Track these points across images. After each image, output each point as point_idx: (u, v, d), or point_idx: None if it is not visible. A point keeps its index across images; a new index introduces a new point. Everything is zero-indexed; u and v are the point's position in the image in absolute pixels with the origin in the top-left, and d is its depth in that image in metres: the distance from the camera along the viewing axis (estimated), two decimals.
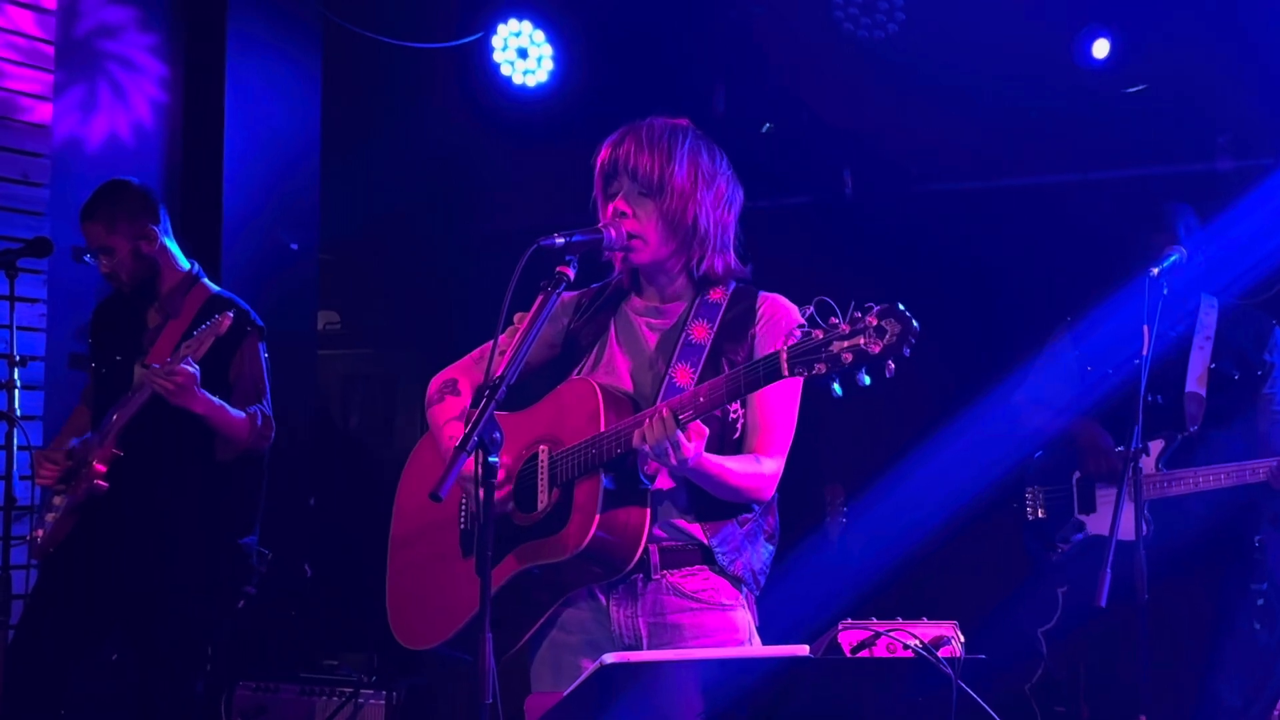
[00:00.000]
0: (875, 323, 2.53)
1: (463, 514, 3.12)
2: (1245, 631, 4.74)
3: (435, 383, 3.24)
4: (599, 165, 3.06)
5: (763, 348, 2.98)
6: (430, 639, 3.13)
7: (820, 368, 2.57)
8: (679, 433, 2.72)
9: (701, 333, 3.02)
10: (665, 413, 2.73)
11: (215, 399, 4.26)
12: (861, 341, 2.53)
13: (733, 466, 2.90)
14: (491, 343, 2.77)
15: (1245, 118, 5.72)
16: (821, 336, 2.58)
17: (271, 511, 4.68)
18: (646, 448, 2.75)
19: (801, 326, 2.64)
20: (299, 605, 5.68)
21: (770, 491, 2.98)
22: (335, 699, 5.07)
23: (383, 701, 5.03)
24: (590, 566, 2.91)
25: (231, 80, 5.72)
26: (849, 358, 2.54)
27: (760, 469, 2.94)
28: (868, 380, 2.55)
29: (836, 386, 2.57)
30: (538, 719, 2.53)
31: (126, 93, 5.63)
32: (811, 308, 2.63)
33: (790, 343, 2.63)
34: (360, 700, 5.03)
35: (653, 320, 3.10)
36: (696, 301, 3.06)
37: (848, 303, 2.60)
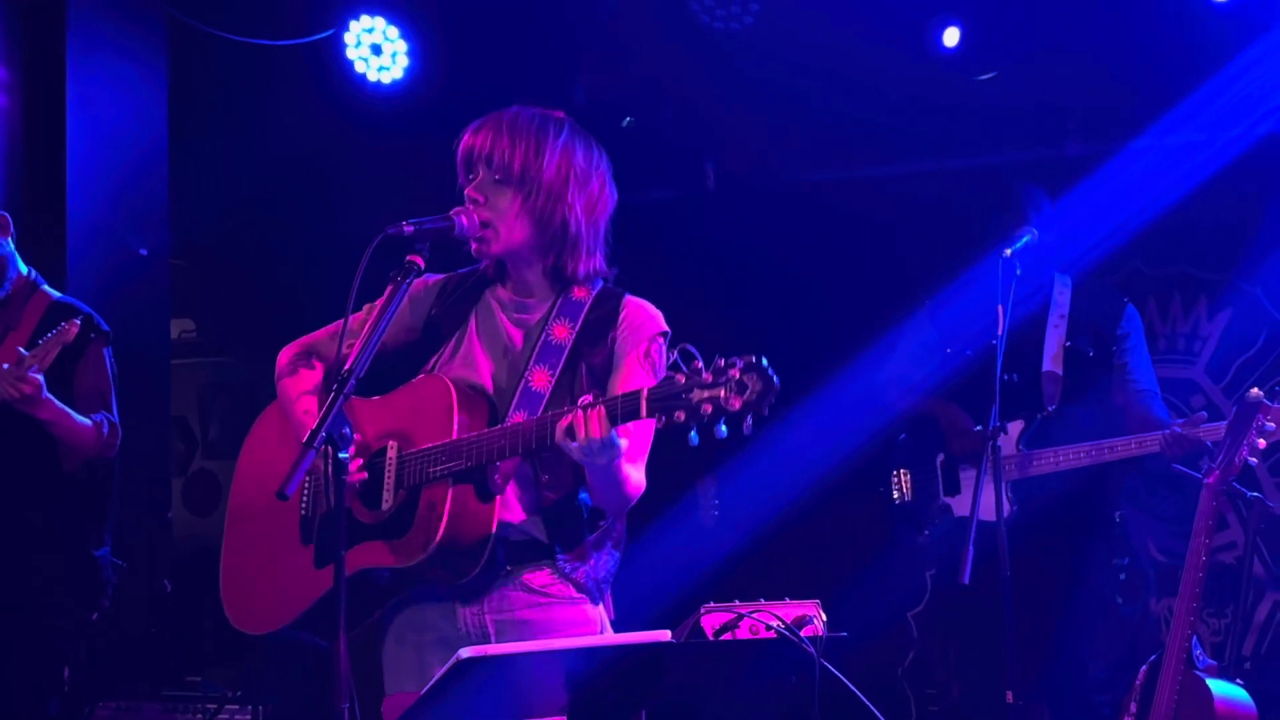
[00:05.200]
0: (737, 376, 2.51)
1: (305, 499, 3.04)
2: (1108, 605, 4.85)
3: (287, 354, 3.15)
4: (460, 153, 3.00)
5: (622, 354, 2.94)
6: (264, 624, 3.05)
7: (680, 415, 2.54)
8: (613, 432, 2.66)
9: (563, 333, 2.96)
10: (601, 411, 2.65)
11: (61, 405, 4.14)
12: (721, 394, 2.51)
13: (628, 469, 2.85)
14: (345, 320, 2.70)
15: (1094, 102, 5.85)
16: (683, 381, 2.55)
17: (129, 526, 4.56)
18: (576, 444, 2.66)
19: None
20: (159, 621, 5.53)
21: (638, 497, 2.94)
22: (199, 715, 4.95)
23: (248, 716, 4.94)
24: (432, 571, 2.86)
25: (73, 82, 5.52)
26: (708, 409, 2.52)
27: (639, 474, 2.91)
28: (725, 431, 2.53)
29: (693, 435, 2.55)
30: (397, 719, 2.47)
31: None
32: (675, 354, 2.60)
33: (662, 366, 2.64)
34: (224, 716, 4.92)
35: (515, 314, 3.04)
36: (560, 299, 3.01)
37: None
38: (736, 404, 2.49)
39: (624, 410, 2.63)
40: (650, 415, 2.59)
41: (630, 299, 3.03)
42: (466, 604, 2.92)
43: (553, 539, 2.92)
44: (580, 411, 2.65)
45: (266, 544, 3.08)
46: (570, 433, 2.66)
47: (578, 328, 2.96)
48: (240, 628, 3.09)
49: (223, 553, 3.17)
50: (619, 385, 2.90)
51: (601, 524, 2.97)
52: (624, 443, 2.70)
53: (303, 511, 3.04)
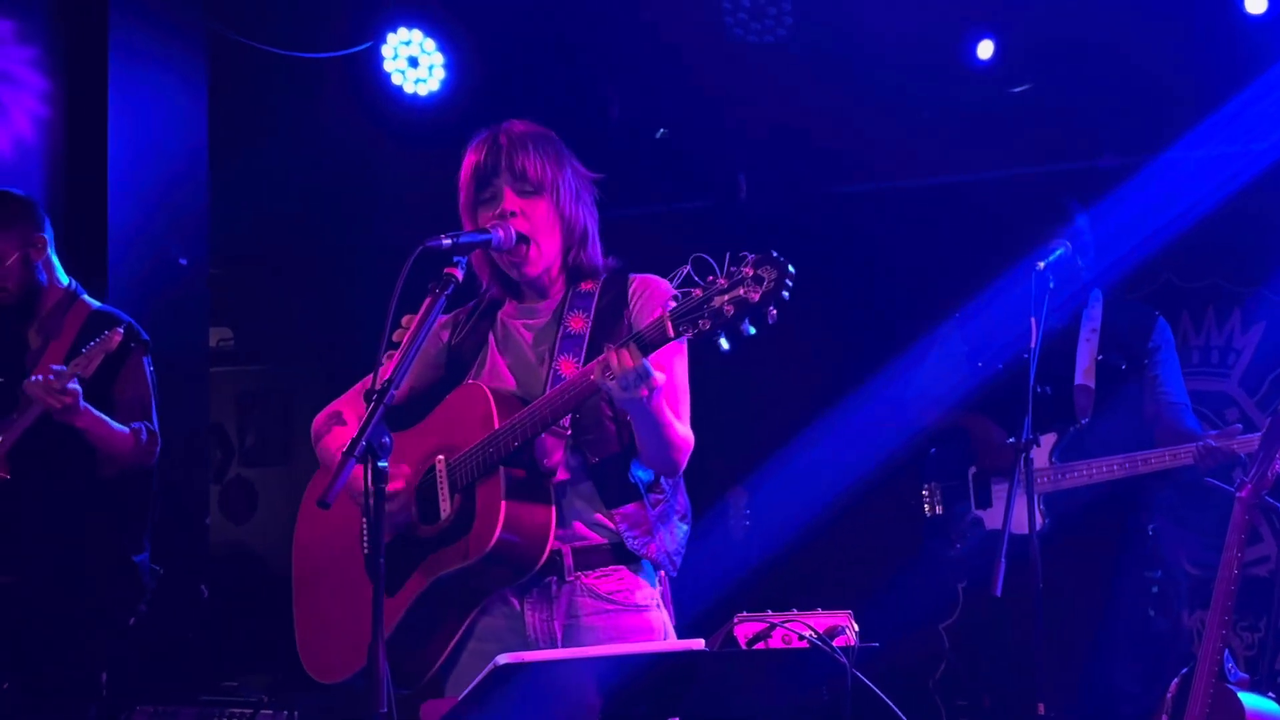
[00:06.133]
0: (752, 272, 2.56)
1: (364, 540, 3.07)
2: (1141, 619, 4.82)
3: (320, 418, 3.20)
4: (472, 168, 3.03)
5: (639, 323, 2.96)
6: (344, 670, 3.06)
7: (704, 324, 2.59)
8: (645, 360, 2.69)
9: (579, 323, 3.01)
10: (633, 345, 2.69)
11: (98, 413, 4.19)
12: (741, 292, 2.56)
13: (670, 417, 2.87)
14: (377, 363, 2.73)
15: (1127, 115, 5.84)
16: (701, 294, 2.60)
17: (166, 532, 4.59)
18: (613, 382, 2.70)
19: (676, 298, 2.67)
20: (196, 627, 5.58)
21: (688, 453, 2.96)
22: None
23: None
24: (499, 569, 2.87)
25: (115, 93, 5.59)
26: (731, 310, 2.56)
27: (685, 428, 2.94)
28: (752, 330, 2.57)
29: (723, 341, 2.60)
30: None
31: (6, 107, 5.49)
32: (689, 266, 2.64)
33: (671, 306, 2.64)
34: None
35: (528, 321, 3.09)
36: (569, 294, 3.06)
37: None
38: (756, 296, 2.54)
39: (651, 336, 2.68)
40: (678, 334, 2.63)
41: (635, 275, 3.09)
42: (535, 611, 2.94)
43: (616, 521, 2.94)
44: (612, 349, 2.70)
45: (335, 595, 3.10)
46: (606, 368, 2.69)
47: (592, 315, 3.01)
48: (324, 680, 3.10)
49: (295, 620, 3.20)
50: None
51: (659, 497, 2.99)
52: (660, 375, 2.73)
53: (365, 551, 3.05)
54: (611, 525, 2.94)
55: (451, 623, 2.97)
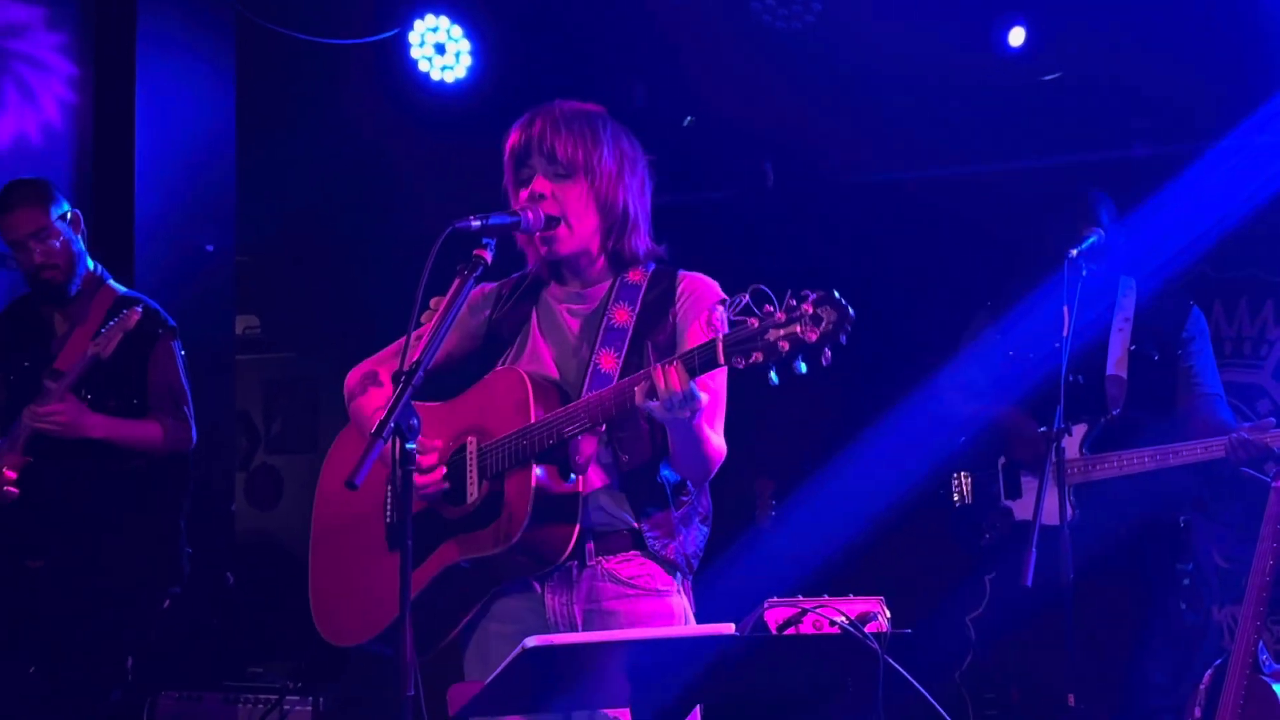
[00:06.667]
0: (811, 310, 2.50)
1: (388, 507, 3.06)
2: (1171, 611, 4.78)
3: (354, 375, 3.18)
4: (510, 149, 3.02)
5: (684, 326, 2.96)
6: (357, 635, 3.06)
7: (757, 356, 2.54)
8: (693, 384, 2.66)
9: (623, 316, 2.98)
10: (679, 365, 2.65)
11: (114, 419, 4.23)
12: (798, 329, 2.50)
13: (708, 431, 2.86)
14: (408, 334, 2.71)
15: (1161, 103, 5.78)
16: (757, 325, 2.55)
17: (192, 520, 4.61)
18: (656, 403, 2.67)
19: (724, 301, 2.63)
20: (222, 613, 5.60)
21: (720, 462, 2.95)
22: (260, 706, 5.00)
23: (308, 708, 4.98)
24: (522, 559, 2.87)
25: (142, 79, 5.61)
26: (785, 346, 2.51)
27: (719, 438, 2.93)
28: (804, 368, 2.52)
29: (773, 375, 2.55)
30: (460, 708, 2.49)
31: (34, 93, 5.51)
32: (747, 296, 2.59)
33: (725, 330, 2.61)
34: (285, 707, 4.97)
35: (574, 306, 3.07)
36: (616, 284, 3.03)
37: (778, 293, 2.58)
38: (814, 336, 2.49)
39: (702, 361, 2.64)
40: (728, 362, 2.59)
41: (684, 274, 3.05)
42: (555, 595, 2.94)
43: (639, 519, 2.93)
44: (659, 368, 2.66)
45: (355, 558, 3.10)
46: (651, 391, 2.66)
47: (637, 309, 2.98)
48: (335, 642, 3.10)
49: (310, 577, 3.20)
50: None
51: (685, 499, 2.98)
52: (705, 396, 2.70)
53: (388, 519, 3.05)
54: (635, 525, 2.94)
55: (468, 602, 2.98)
